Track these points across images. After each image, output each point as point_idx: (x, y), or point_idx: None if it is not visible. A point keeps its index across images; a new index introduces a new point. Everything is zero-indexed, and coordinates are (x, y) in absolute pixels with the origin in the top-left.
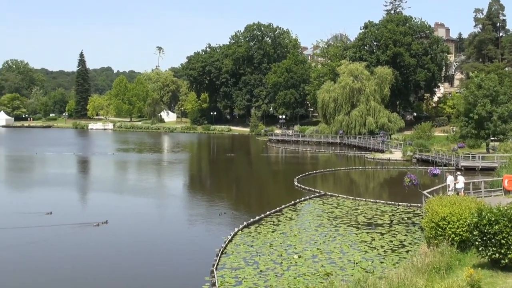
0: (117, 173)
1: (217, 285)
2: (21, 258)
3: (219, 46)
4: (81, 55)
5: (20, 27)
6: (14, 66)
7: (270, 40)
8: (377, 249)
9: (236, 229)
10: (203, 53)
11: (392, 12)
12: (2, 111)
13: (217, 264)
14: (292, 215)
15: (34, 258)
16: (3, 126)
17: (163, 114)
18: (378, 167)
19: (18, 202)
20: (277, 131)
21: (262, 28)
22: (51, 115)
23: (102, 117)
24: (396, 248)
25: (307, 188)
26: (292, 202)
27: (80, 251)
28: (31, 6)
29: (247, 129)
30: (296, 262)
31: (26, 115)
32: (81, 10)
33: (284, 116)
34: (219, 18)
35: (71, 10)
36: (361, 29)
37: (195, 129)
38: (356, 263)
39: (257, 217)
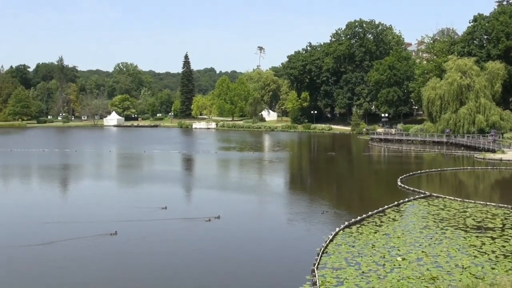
0: (221, 171)
1: (318, 285)
2: (141, 249)
3: (319, 44)
4: (186, 57)
5: (130, 32)
6: (124, 69)
7: (372, 37)
8: (488, 254)
9: (337, 229)
10: (304, 52)
11: (505, 3)
12: (114, 112)
13: (318, 263)
14: (395, 216)
15: (154, 250)
16: (114, 126)
17: (264, 113)
18: (489, 167)
19: (134, 197)
20: (380, 129)
21: (364, 25)
22: (158, 115)
23: (205, 116)
24: (509, 254)
25: (411, 188)
26: (396, 202)
27: (192, 244)
28: (140, 13)
29: (348, 128)
30: (399, 265)
31: (135, 115)
32: (186, 14)
33: (386, 115)
34: (320, 17)
35: (176, 14)
36: (470, 23)
37: (295, 127)
38: (465, 268)
39: (358, 217)
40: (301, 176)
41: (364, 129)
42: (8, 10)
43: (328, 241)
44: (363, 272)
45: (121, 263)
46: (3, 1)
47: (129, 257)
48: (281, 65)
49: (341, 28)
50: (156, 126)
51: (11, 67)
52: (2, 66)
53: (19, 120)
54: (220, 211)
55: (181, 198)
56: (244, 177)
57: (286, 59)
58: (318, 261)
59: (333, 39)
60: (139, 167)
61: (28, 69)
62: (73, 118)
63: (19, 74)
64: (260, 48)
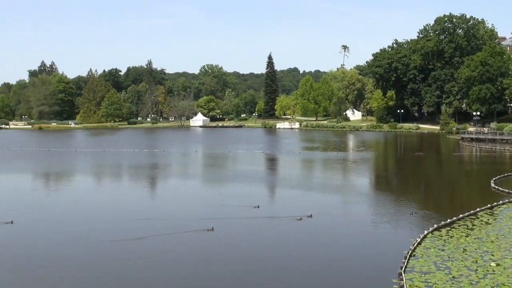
0: (305, 170)
1: None
2: (239, 246)
3: (406, 41)
4: (270, 57)
5: (215, 34)
6: (210, 71)
7: (462, 32)
8: None
9: (425, 232)
10: (390, 49)
11: None
12: (199, 113)
13: (406, 267)
14: (488, 220)
15: (251, 246)
16: (200, 126)
17: (349, 113)
18: None
19: (224, 195)
20: (471, 128)
21: (454, 20)
22: (242, 115)
23: (289, 116)
24: None
25: (506, 190)
26: (489, 205)
27: (286, 242)
28: (224, 15)
29: (436, 127)
30: (493, 271)
31: (220, 116)
32: (269, 14)
33: (478, 113)
34: (407, 12)
35: (259, 15)
36: None
37: (381, 127)
38: None
39: (448, 220)
40: (387, 177)
41: (454, 128)
42: (101, 18)
43: (416, 243)
44: (453, 277)
45: (218, 258)
46: (96, 10)
47: (227, 253)
48: (366, 64)
49: (429, 24)
50: (240, 126)
51: (104, 71)
52: (96, 70)
53: (111, 121)
54: (309, 211)
55: (270, 197)
56: (329, 177)
57: (371, 57)
58: (405, 264)
59: (420, 35)
60: (225, 166)
61: (119, 73)
62: (161, 119)
63: (112, 78)
64: (344, 47)
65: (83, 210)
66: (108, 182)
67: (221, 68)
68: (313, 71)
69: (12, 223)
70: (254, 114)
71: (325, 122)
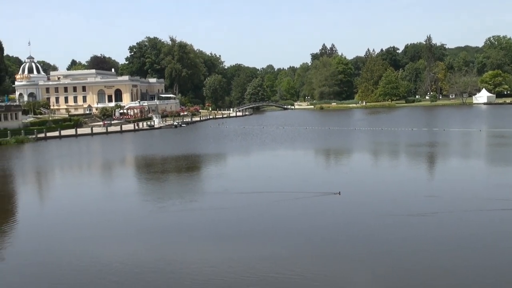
0: None
1: None
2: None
3: None
4: None
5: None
6: (496, 43)
7: None
8: None
9: None
10: None
11: None
12: (483, 89)
13: None
14: None
15: None
16: (484, 104)
17: None
18: None
19: None
20: None
21: None
22: None
23: None
24: None
25: None
26: None
27: None
28: None
29: None
30: None
31: (508, 92)
32: None
33: None
34: None
35: None
36: None
37: None
38: None
39: None
40: None
41: None
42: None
43: None
44: None
45: None
46: None
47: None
48: None
49: None
50: None
51: (382, 50)
52: (373, 50)
53: (389, 100)
54: None
55: None
56: None
57: None
58: None
59: None
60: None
61: (397, 51)
62: (440, 97)
63: (389, 56)
64: None
65: (374, 186)
66: (387, 159)
67: (510, 38)
68: None
69: (339, 194)
70: None
71: None
